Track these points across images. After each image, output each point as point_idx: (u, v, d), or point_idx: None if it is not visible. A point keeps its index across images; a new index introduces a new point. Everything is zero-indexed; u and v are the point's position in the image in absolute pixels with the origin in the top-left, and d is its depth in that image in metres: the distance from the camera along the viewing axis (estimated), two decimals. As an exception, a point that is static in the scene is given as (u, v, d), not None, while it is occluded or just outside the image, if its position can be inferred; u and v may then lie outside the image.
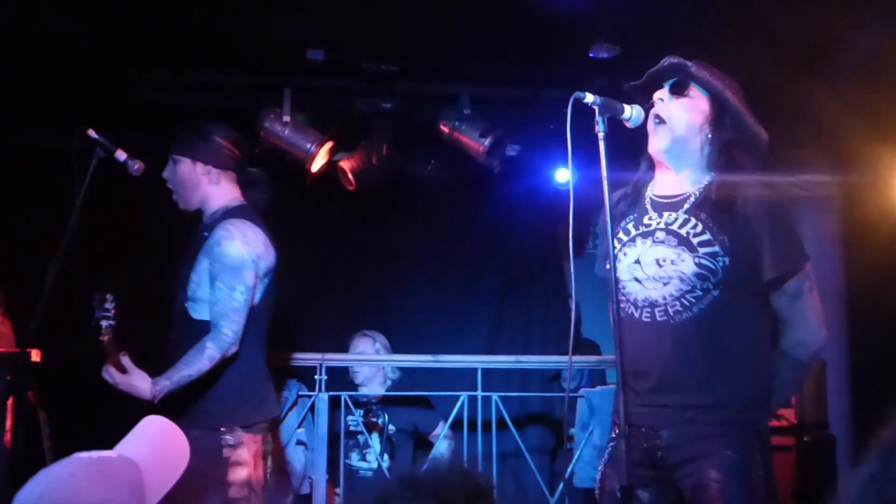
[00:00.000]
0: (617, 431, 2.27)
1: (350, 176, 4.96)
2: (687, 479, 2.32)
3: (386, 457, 4.57)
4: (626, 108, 2.38)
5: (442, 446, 4.54)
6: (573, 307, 2.64)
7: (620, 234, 2.48)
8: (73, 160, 2.88)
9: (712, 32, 3.90)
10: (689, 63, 2.45)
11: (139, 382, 2.86)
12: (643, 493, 2.37)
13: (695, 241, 2.35)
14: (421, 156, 5.53)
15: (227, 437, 2.91)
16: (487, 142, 4.70)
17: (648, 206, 2.49)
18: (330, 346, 4.55)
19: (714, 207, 2.37)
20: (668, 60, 2.47)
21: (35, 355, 2.81)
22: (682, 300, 2.34)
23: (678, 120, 2.44)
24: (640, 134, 2.50)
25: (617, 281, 2.36)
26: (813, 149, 5.02)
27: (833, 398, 4.81)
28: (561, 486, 4.32)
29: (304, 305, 5.19)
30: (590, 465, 4.07)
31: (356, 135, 4.92)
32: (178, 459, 1.67)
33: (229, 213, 3.10)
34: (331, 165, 4.94)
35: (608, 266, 2.29)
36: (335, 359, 4.40)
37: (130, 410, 2.87)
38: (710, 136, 2.45)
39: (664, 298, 2.36)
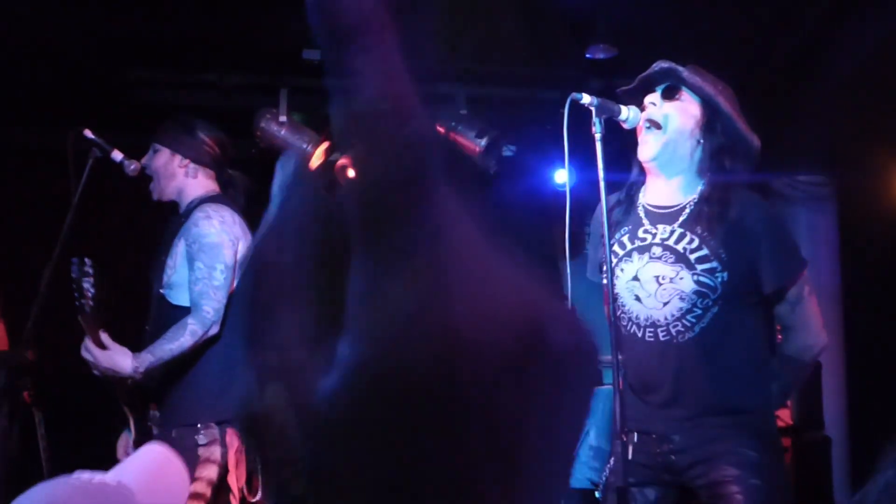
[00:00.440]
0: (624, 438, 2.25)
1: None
2: (700, 479, 2.31)
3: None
4: (623, 109, 2.35)
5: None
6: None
7: (616, 248, 2.44)
8: (70, 160, 2.87)
9: (710, 33, 3.90)
10: (680, 68, 2.42)
11: (120, 357, 2.79)
12: (650, 491, 2.36)
13: (692, 257, 2.32)
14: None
15: (201, 434, 2.85)
16: (483, 142, 4.68)
17: (642, 216, 2.45)
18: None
19: (709, 220, 2.34)
20: (659, 65, 2.43)
21: (30, 355, 2.80)
22: (684, 321, 2.32)
23: (669, 124, 2.41)
24: (637, 135, 2.49)
25: (615, 297, 2.34)
26: (810, 150, 5.03)
27: (829, 399, 4.82)
28: (557, 486, 4.31)
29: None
30: (585, 465, 4.05)
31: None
32: (178, 491, 1.66)
33: (206, 201, 3.06)
34: (328, 165, 4.93)
35: (602, 273, 2.27)
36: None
37: (125, 410, 2.90)
38: (701, 141, 2.41)
39: (665, 319, 2.34)
